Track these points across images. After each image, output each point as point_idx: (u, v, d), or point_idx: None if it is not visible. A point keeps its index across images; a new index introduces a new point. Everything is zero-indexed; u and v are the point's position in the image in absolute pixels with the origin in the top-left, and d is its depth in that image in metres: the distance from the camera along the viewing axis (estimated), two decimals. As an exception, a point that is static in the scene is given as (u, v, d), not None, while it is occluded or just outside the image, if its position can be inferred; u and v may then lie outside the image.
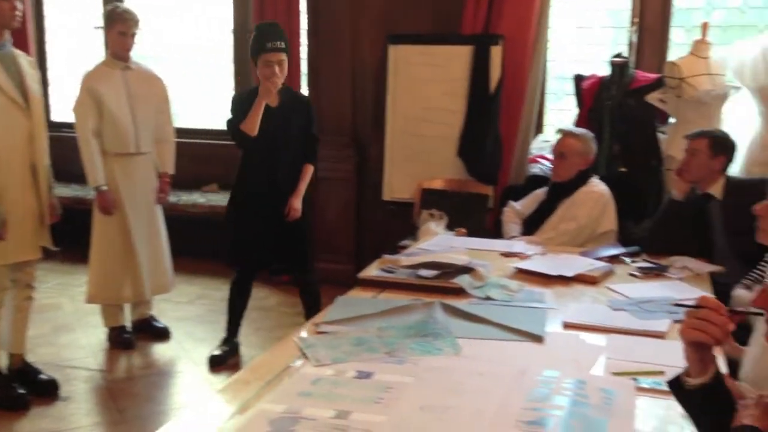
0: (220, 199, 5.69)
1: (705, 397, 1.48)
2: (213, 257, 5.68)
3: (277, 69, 3.73)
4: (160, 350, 4.21)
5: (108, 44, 4.14)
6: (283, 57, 3.75)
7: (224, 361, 3.94)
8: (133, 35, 4.04)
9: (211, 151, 5.95)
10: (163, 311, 4.63)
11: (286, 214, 3.88)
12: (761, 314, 1.38)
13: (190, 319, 4.67)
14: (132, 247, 4.14)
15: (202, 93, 6.42)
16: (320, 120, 5.33)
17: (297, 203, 3.90)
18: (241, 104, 3.80)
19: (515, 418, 1.68)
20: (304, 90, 5.38)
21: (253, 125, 3.72)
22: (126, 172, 4.10)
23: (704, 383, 1.48)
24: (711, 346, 1.48)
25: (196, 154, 5.74)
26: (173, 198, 5.41)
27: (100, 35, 4.77)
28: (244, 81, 5.81)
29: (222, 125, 6.08)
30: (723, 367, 1.59)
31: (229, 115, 3.85)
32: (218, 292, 5.16)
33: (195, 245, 5.58)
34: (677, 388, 1.54)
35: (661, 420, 1.75)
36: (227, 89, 6.03)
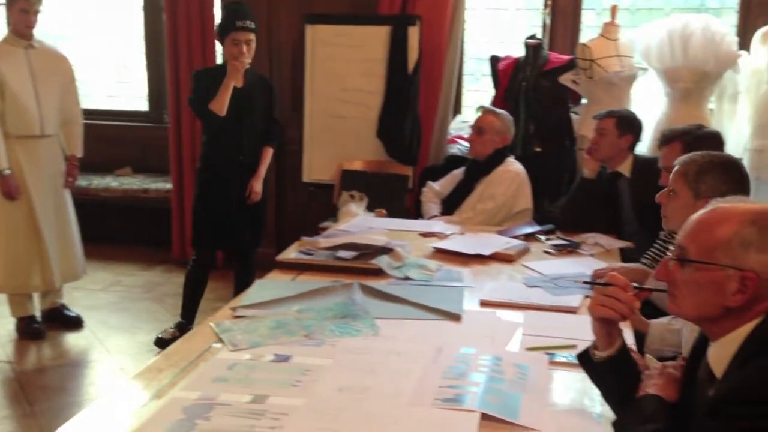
0: (133, 182, 5.53)
1: (612, 369, 1.53)
2: (127, 242, 5.55)
3: (245, 48, 3.73)
4: (72, 340, 4.07)
5: (10, 22, 3.93)
6: (252, 37, 3.75)
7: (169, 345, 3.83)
8: (36, 12, 3.85)
9: (123, 133, 5.76)
10: (74, 300, 4.47)
11: (247, 197, 3.91)
12: (664, 291, 1.43)
13: (103, 307, 4.52)
14: (39, 233, 3.97)
15: (111, 73, 6.20)
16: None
17: (258, 186, 3.92)
18: (204, 82, 3.79)
19: (433, 396, 1.70)
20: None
21: (221, 105, 3.72)
22: (31, 156, 3.93)
23: (611, 355, 1.52)
24: (617, 321, 1.53)
25: (107, 137, 5.55)
26: (84, 182, 5.24)
27: (2, 12, 4.54)
28: (156, 60, 5.64)
29: (135, 106, 5.98)
30: (629, 340, 1.64)
31: (192, 94, 3.87)
32: (132, 278, 5.02)
33: (108, 231, 5.42)
34: (586, 360, 1.59)
35: (574, 392, 1.80)
36: (138, 69, 5.85)
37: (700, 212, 1.40)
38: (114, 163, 5.72)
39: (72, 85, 4.12)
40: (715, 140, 2.80)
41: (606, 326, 1.53)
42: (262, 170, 3.97)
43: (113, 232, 5.39)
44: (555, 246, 3.13)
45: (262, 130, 3.97)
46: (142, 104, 5.90)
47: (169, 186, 5.35)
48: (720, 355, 1.35)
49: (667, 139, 2.80)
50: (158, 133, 5.58)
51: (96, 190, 5.39)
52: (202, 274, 4.03)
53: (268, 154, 4.02)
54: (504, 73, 4.57)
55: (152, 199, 5.39)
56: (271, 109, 4.02)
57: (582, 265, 2.86)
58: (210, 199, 3.91)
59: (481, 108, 3.96)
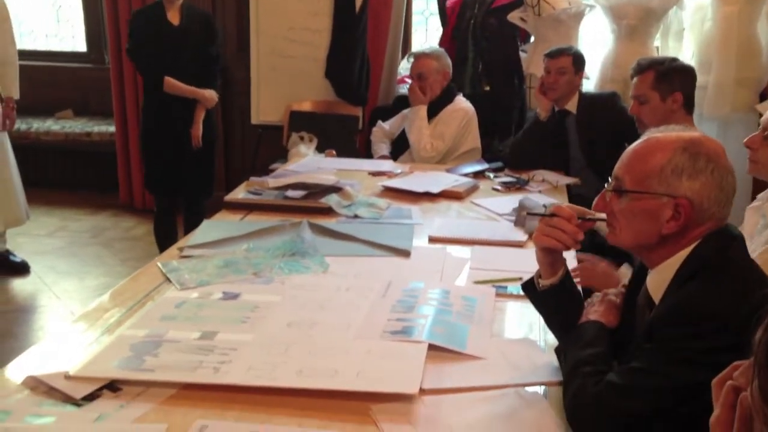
0: (75, 125, 5.38)
1: (555, 296, 1.57)
2: (72, 187, 5.42)
3: None
4: (19, 285, 4.00)
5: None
6: None
7: None
8: None
9: (63, 75, 5.57)
10: (19, 245, 4.37)
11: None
12: (604, 220, 1.46)
13: (50, 253, 4.44)
14: (-23, 178, 3.86)
15: (48, 12, 5.95)
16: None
17: (195, 131, 3.84)
18: (142, 26, 3.71)
19: (381, 328, 1.73)
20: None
21: (174, 91, 3.74)
22: (-37, 98, 3.78)
23: (554, 284, 1.56)
24: (561, 251, 1.56)
25: (46, 79, 5.37)
26: (24, 125, 5.08)
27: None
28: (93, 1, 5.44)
29: (75, 47, 5.77)
30: (571, 265, 1.68)
31: (129, 41, 3.80)
32: (78, 223, 4.93)
33: (52, 175, 5.29)
34: (531, 289, 1.62)
35: (519, 322, 1.85)
36: (76, 7, 5.63)
37: (635, 143, 1.42)
38: (54, 105, 5.55)
39: (5, 24, 3.95)
40: (689, 74, 2.81)
41: (550, 256, 1.56)
42: (199, 114, 3.85)
43: (57, 177, 5.26)
44: (503, 183, 3.16)
45: (201, 72, 3.86)
46: (80, 45, 5.70)
47: (112, 129, 5.22)
48: (658, 281, 1.40)
49: (641, 68, 2.79)
50: (99, 74, 5.41)
51: (37, 133, 5.23)
52: (167, 221, 3.99)
53: (205, 95, 3.88)
54: (452, 11, 4.53)
55: (95, 142, 5.26)
56: (209, 46, 3.89)
57: (530, 201, 2.89)
58: (155, 146, 3.86)
59: (413, 54, 3.90)
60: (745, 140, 2.07)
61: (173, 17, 3.72)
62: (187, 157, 3.86)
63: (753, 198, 2.23)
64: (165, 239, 3.91)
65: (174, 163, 3.85)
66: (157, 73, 3.77)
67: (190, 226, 3.75)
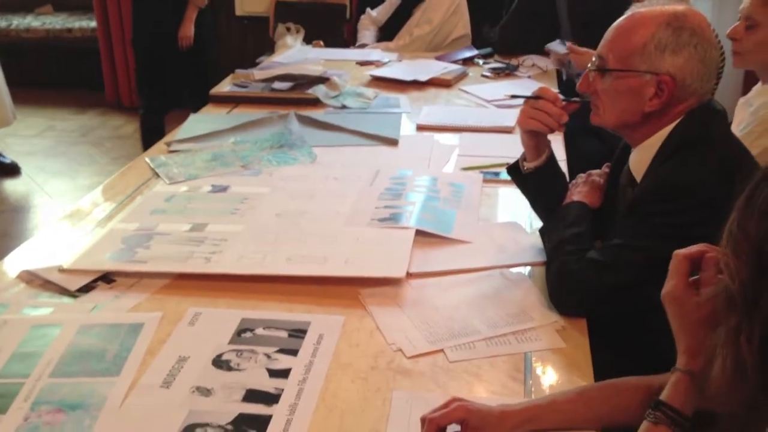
0: (56, 21, 5.24)
1: (540, 178, 1.58)
2: (57, 86, 5.33)
3: None
4: (11, 186, 4.01)
5: None
6: None
7: None
8: None
9: (39, -32, 5.39)
10: (8, 146, 4.35)
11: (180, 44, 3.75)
12: (588, 101, 1.45)
13: (39, 153, 4.42)
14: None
15: None
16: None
17: (185, 30, 3.72)
18: None
19: (369, 216, 1.75)
20: None
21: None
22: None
23: (539, 166, 1.57)
24: (546, 133, 1.56)
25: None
26: (3, 22, 4.96)
27: None
28: None
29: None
30: (558, 154, 1.68)
31: None
32: (66, 122, 4.88)
33: (36, 74, 5.19)
34: (516, 172, 1.63)
35: (506, 206, 1.87)
36: None
37: (619, 20, 1.39)
38: (33, 1, 5.38)
39: None
40: None
41: (534, 138, 1.56)
42: (190, 14, 3.72)
43: (41, 76, 5.17)
44: (492, 69, 3.12)
45: None
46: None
47: (93, 24, 5.08)
48: (640, 159, 1.40)
49: None
50: (77, -33, 5.23)
51: (17, 30, 5.10)
52: (156, 120, 3.89)
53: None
54: None
55: (78, 38, 5.14)
56: None
57: (519, 87, 2.86)
58: (148, 48, 3.76)
59: None
60: (727, 32, 2.02)
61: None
62: (180, 58, 3.75)
63: (744, 90, 2.20)
64: (152, 140, 3.83)
65: (167, 64, 3.75)
66: None
67: None
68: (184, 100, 3.83)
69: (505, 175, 1.82)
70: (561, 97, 1.54)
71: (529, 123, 1.53)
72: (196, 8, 3.74)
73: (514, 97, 2.26)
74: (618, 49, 1.36)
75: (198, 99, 3.64)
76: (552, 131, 1.55)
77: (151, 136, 3.79)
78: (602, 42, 1.41)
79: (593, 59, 1.43)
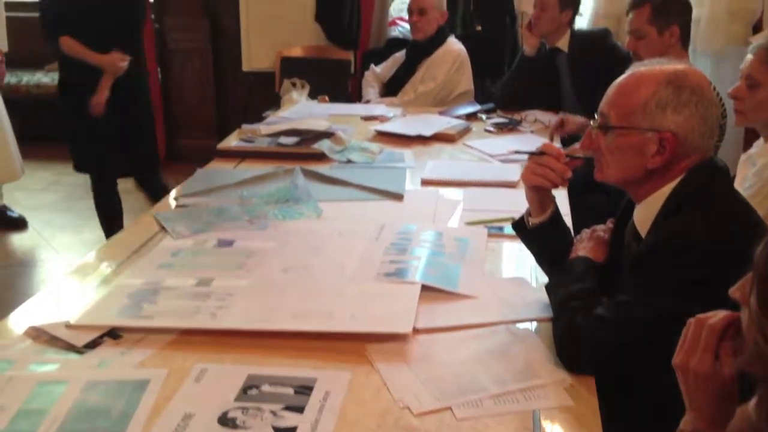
0: (66, 78, 5.33)
1: (544, 234, 1.59)
2: (64, 141, 5.38)
3: None
4: (17, 240, 4.03)
5: None
6: None
7: None
8: None
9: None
10: (16, 200, 4.39)
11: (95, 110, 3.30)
12: (591, 158, 1.48)
13: (46, 207, 4.46)
14: (-30, 133, 3.83)
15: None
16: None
17: (97, 98, 3.26)
18: None
19: (375, 270, 1.75)
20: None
21: (73, 53, 3.26)
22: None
23: (543, 221, 1.58)
24: (550, 189, 1.58)
25: (35, 31, 5.27)
26: (14, 79, 5.04)
27: None
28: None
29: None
30: (562, 209, 1.70)
31: (41, 9, 3.38)
32: (73, 177, 4.88)
33: (43, 129, 5.23)
34: (521, 228, 1.64)
35: (511, 261, 1.87)
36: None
37: (620, 78, 1.42)
38: (43, 58, 5.47)
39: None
40: (685, 7, 2.77)
41: (539, 194, 1.58)
42: (104, 82, 3.26)
43: (49, 131, 5.20)
44: (495, 124, 3.16)
45: (117, 33, 3.28)
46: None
47: (103, 80, 5.16)
48: (645, 215, 1.42)
49: (637, 2, 2.75)
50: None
51: (27, 86, 5.19)
52: (100, 199, 3.60)
53: (105, 62, 3.27)
54: (443, -51, 4.45)
55: (87, 93, 5.21)
56: (129, 7, 3.32)
57: (522, 142, 2.90)
58: (78, 117, 3.35)
59: None
60: (729, 91, 2.05)
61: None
62: (112, 129, 3.33)
63: (745, 147, 2.23)
64: (107, 219, 3.59)
65: (98, 136, 3.35)
66: (53, 31, 3.27)
67: (153, 200, 3.40)
68: (124, 168, 3.57)
69: (509, 229, 1.84)
70: (564, 152, 1.56)
71: (533, 179, 1.55)
72: (111, 76, 3.27)
73: (518, 153, 2.29)
74: (620, 106, 1.39)
75: (140, 167, 3.56)
76: (556, 187, 1.57)
77: (107, 217, 3.59)
78: (604, 100, 1.43)
79: (595, 116, 1.45)
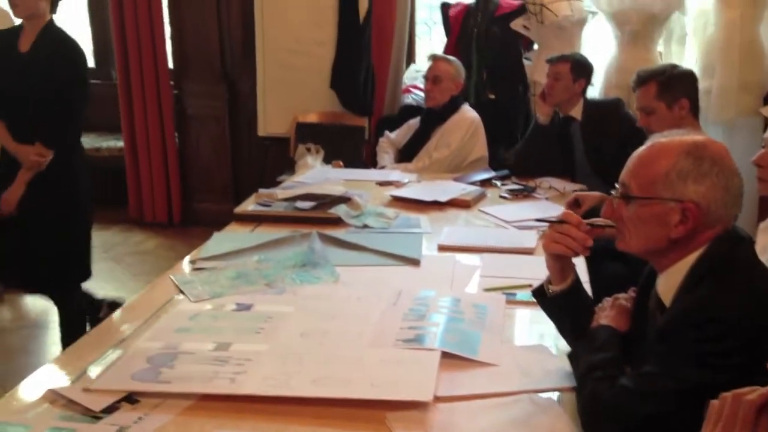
0: (85, 141, 5.31)
1: (565, 302, 1.58)
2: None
3: None
4: (31, 302, 4.02)
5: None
6: None
7: None
8: None
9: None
10: (30, 262, 4.40)
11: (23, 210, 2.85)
12: (613, 227, 1.48)
13: (60, 268, 4.46)
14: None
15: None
16: (185, 56, 5.16)
17: (11, 194, 2.83)
18: None
19: (394, 337, 1.74)
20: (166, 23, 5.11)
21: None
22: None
23: (564, 290, 1.58)
24: (570, 257, 1.58)
25: None
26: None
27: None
28: (100, 15, 5.48)
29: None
30: (582, 276, 1.70)
31: None
32: (90, 238, 4.96)
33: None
34: (541, 296, 1.64)
35: (531, 328, 1.86)
36: (82, 25, 5.69)
37: (640, 149, 1.44)
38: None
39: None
40: (690, 79, 2.81)
41: (559, 262, 1.58)
42: (22, 176, 2.81)
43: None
44: (510, 191, 3.18)
45: (47, 119, 2.81)
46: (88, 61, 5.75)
47: (120, 144, 5.26)
48: (668, 285, 1.41)
49: (642, 80, 2.79)
50: (107, 91, 5.43)
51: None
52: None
53: (23, 154, 2.83)
54: (455, 20, 4.57)
55: (105, 157, 5.29)
56: (63, 89, 2.81)
57: (537, 208, 2.91)
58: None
59: (433, 56, 3.95)
60: (753, 159, 2.07)
61: (25, 42, 2.82)
62: (23, 233, 2.87)
63: (760, 214, 2.22)
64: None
65: (10, 240, 2.90)
66: None
67: (63, 330, 3.07)
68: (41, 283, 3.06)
69: (523, 296, 1.83)
70: (585, 221, 1.57)
71: (554, 247, 1.56)
72: (28, 171, 2.83)
73: (539, 221, 2.25)
74: (641, 177, 1.40)
75: (35, 283, 3.01)
76: (577, 255, 1.57)
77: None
78: (625, 170, 1.45)
79: (616, 186, 1.46)
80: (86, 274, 3.15)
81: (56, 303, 3.14)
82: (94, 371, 1.57)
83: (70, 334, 2.95)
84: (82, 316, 3.12)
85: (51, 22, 2.87)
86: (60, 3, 2.95)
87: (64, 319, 3.08)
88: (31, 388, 1.54)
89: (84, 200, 3.06)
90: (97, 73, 5.67)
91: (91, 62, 5.65)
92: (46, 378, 1.57)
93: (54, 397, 1.49)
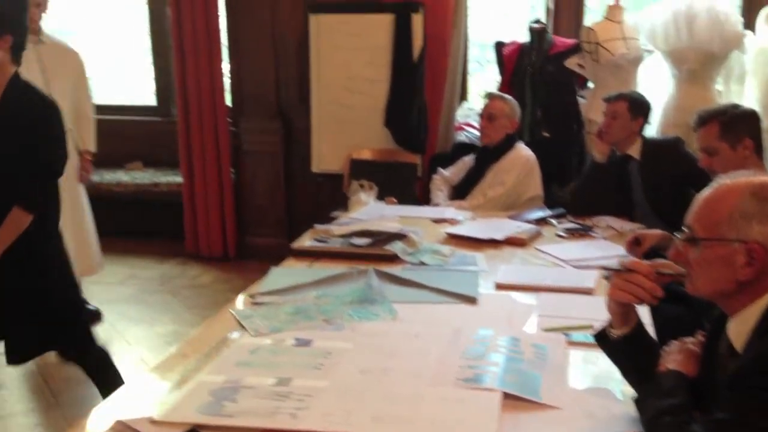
0: (145, 176, 5.58)
1: (629, 346, 1.56)
2: (141, 236, 5.59)
3: None
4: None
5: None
6: None
7: None
8: (39, 5, 3.83)
9: (133, 128, 5.79)
10: (93, 293, 4.50)
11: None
12: (682, 274, 1.46)
13: (121, 300, 4.57)
14: (55, 229, 3.94)
15: (118, 68, 6.23)
16: (242, 93, 5.30)
17: None
18: None
19: (453, 376, 1.74)
20: (225, 63, 5.25)
21: None
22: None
23: (626, 334, 1.56)
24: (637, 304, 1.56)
25: (117, 132, 5.58)
26: (96, 177, 5.25)
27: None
28: (162, 54, 5.66)
29: (143, 101, 6.00)
30: (644, 319, 1.67)
31: None
32: (147, 271, 5.07)
33: (122, 225, 5.46)
34: (603, 339, 1.62)
35: (593, 371, 1.83)
36: (145, 63, 5.88)
37: (705, 191, 1.42)
38: (124, 157, 5.76)
39: (83, 80, 4.12)
40: (753, 118, 2.77)
41: (623, 307, 1.56)
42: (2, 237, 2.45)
43: (127, 226, 5.42)
44: (567, 230, 3.15)
45: (17, 181, 2.45)
46: (150, 99, 5.94)
47: (179, 179, 5.39)
48: (740, 329, 1.38)
49: (703, 120, 2.76)
50: (167, 127, 5.61)
51: (108, 184, 5.43)
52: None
53: (15, 218, 2.45)
54: (509, 59, 4.59)
55: (163, 192, 5.43)
56: (35, 147, 2.44)
57: (595, 248, 2.88)
58: None
59: (489, 94, 3.98)
60: None
61: None
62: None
63: None
64: None
65: None
66: None
67: (95, 383, 2.79)
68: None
69: (578, 336, 1.80)
70: (654, 270, 1.54)
71: (622, 295, 1.54)
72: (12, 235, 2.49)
73: (605, 269, 2.10)
74: (705, 218, 1.39)
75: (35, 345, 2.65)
76: (643, 304, 1.55)
77: None
78: (690, 213, 1.43)
79: (683, 229, 1.44)
80: (81, 331, 2.88)
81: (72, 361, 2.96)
82: (160, 403, 1.60)
83: (101, 383, 2.73)
84: (103, 364, 2.84)
85: (16, 75, 2.53)
86: (22, 54, 2.59)
87: (87, 374, 2.85)
88: (98, 419, 1.57)
89: (56, 264, 2.75)
90: (158, 111, 5.86)
91: (152, 100, 5.88)
92: (113, 408, 1.61)
93: (122, 428, 1.52)
